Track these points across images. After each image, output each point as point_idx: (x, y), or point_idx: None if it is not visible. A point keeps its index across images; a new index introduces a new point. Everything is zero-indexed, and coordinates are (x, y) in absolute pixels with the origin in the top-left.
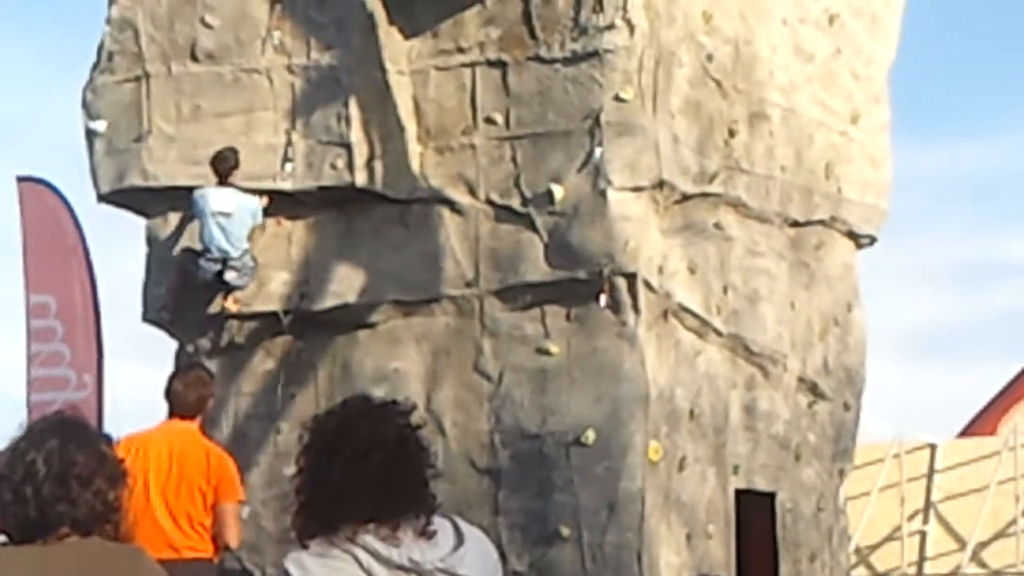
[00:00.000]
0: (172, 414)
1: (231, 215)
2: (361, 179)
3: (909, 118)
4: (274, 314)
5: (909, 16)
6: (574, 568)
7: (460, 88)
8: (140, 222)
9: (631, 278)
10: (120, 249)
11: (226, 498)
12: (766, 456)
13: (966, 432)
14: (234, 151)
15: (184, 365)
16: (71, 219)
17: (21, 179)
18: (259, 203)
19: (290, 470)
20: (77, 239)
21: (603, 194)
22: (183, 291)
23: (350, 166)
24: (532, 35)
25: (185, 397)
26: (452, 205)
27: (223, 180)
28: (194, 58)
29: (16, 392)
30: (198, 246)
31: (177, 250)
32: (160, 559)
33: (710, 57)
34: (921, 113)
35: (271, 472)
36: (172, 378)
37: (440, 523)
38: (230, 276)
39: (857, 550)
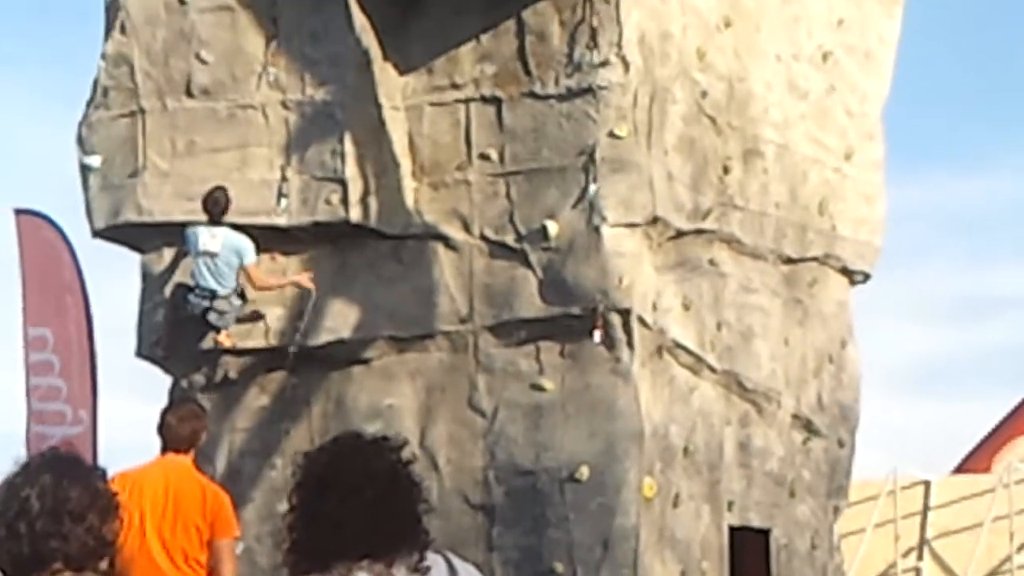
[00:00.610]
0: (166, 448)
1: (217, 255)
2: (356, 215)
3: (903, 152)
4: (268, 349)
5: (902, 51)
6: None
7: (455, 124)
8: (135, 257)
9: (625, 314)
10: (115, 283)
11: (222, 534)
12: (760, 493)
13: (961, 469)
14: (225, 192)
15: (177, 400)
16: (69, 253)
17: (19, 212)
18: (249, 242)
19: (284, 506)
20: (74, 273)
21: (597, 230)
22: (177, 326)
23: (345, 202)
24: (527, 71)
25: (179, 431)
26: (446, 241)
27: (214, 220)
28: (189, 94)
29: (16, 426)
30: (191, 281)
31: (171, 285)
32: None
33: (704, 94)
34: (915, 148)
35: (265, 508)
36: (165, 413)
37: (434, 559)
38: (211, 317)
39: None
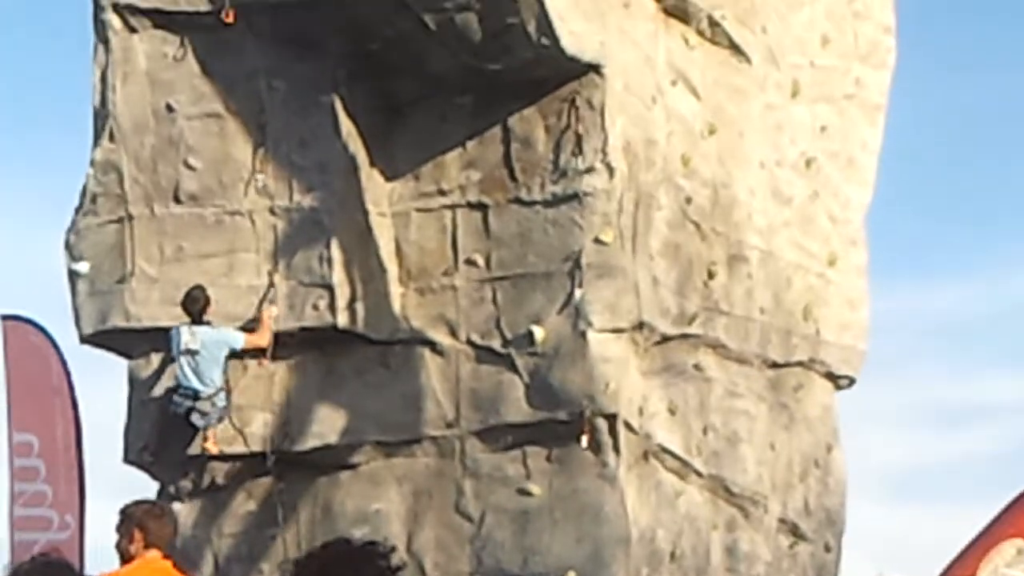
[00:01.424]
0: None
1: (198, 352)
2: (343, 320)
3: (886, 258)
4: (255, 455)
5: (885, 157)
6: None
7: (441, 230)
8: (123, 362)
9: (612, 419)
10: (103, 388)
11: None
12: None
13: (947, 574)
14: (202, 290)
15: (141, 501)
16: (57, 358)
17: (6, 317)
18: (232, 331)
19: None
20: (62, 378)
21: (583, 335)
22: (164, 431)
23: (332, 307)
24: (512, 177)
25: (160, 534)
26: (433, 346)
27: (195, 320)
28: (177, 200)
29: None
30: (175, 383)
31: (159, 389)
32: None
33: (689, 200)
34: (897, 253)
35: None
36: (142, 516)
37: None
38: (194, 418)
39: None
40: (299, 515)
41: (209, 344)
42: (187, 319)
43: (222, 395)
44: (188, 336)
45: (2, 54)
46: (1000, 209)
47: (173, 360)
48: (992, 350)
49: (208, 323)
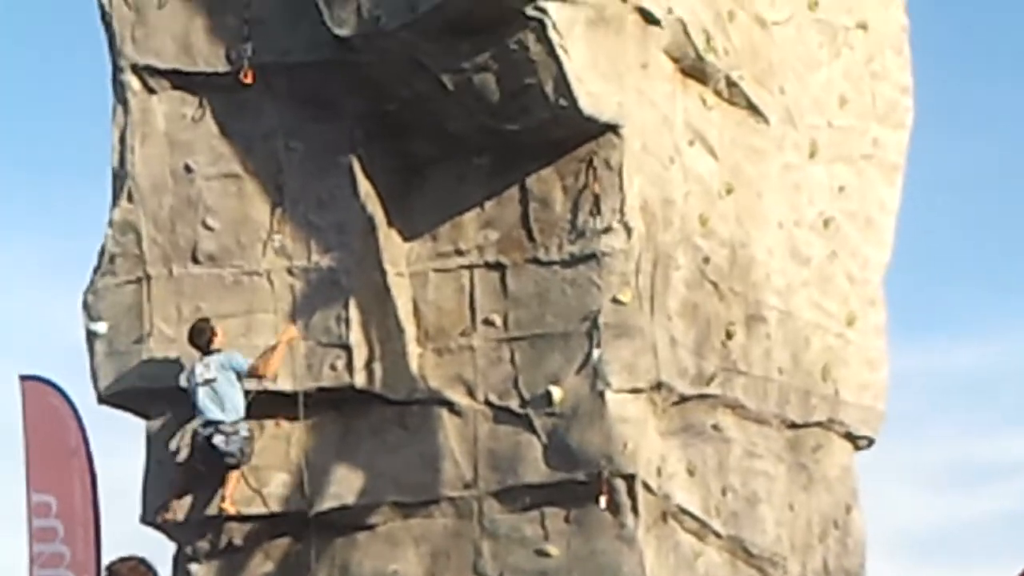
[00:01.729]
0: None
1: (215, 380)
2: (360, 380)
3: (905, 317)
4: (273, 516)
5: (902, 218)
6: None
7: (459, 290)
8: (140, 422)
9: (630, 480)
10: (121, 448)
11: None
12: None
13: None
14: (207, 321)
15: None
16: (74, 419)
17: (24, 378)
18: (234, 353)
19: None
20: (79, 439)
21: (601, 396)
22: (182, 491)
23: (350, 367)
24: (530, 238)
25: None
26: (451, 406)
27: (204, 351)
28: (195, 260)
29: None
30: (195, 423)
31: (178, 447)
32: None
33: (707, 260)
34: (916, 313)
35: None
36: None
37: None
38: (218, 440)
39: None
40: None
41: (223, 368)
42: (196, 353)
43: (244, 425)
44: (202, 368)
45: (21, 113)
46: (1019, 268)
47: (189, 420)
48: (1012, 409)
49: (218, 350)
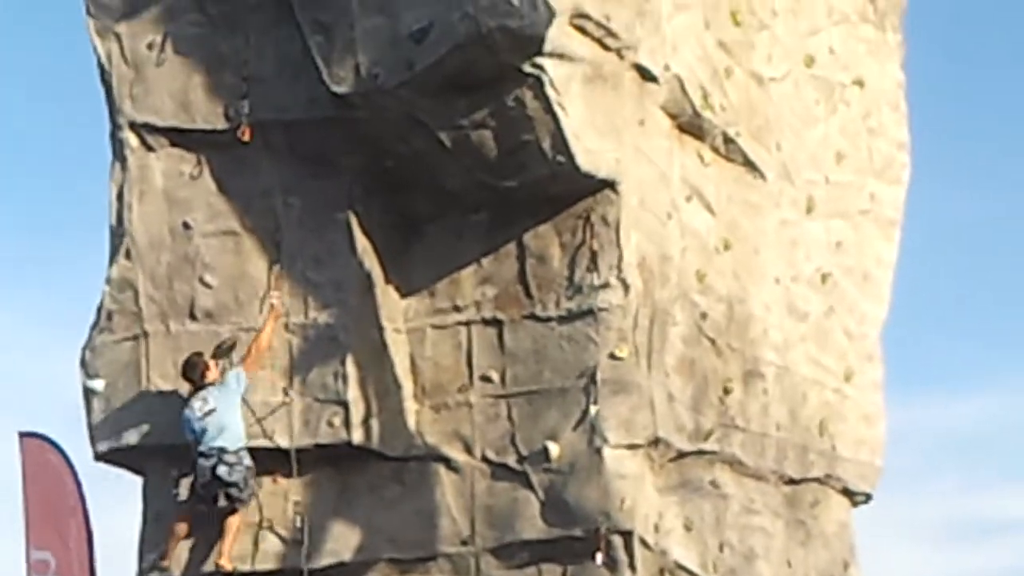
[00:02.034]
0: None
1: (216, 409)
2: (358, 437)
3: (902, 372)
4: (270, 573)
5: (900, 272)
6: None
7: (456, 346)
8: (137, 480)
9: (627, 536)
10: (118, 505)
11: None
12: None
13: None
14: (200, 355)
15: None
16: (72, 477)
17: (24, 435)
18: (233, 373)
19: None
20: (77, 497)
21: (599, 452)
22: (178, 542)
23: (347, 423)
24: (527, 294)
25: None
26: (448, 463)
27: (198, 386)
28: (193, 317)
29: None
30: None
31: (173, 504)
32: None
33: (704, 316)
34: (914, 367)
35: None
36: None
37: None
38: (222, 470)
39: None
40: None
41: (223, 396)
42: (190, 388)
43: (247, 455)
44: (200, 401)
45: (19, 169)
46: (1016, 324)
47: (186, 476)
48: (1010, 464)
49: (211, 384)
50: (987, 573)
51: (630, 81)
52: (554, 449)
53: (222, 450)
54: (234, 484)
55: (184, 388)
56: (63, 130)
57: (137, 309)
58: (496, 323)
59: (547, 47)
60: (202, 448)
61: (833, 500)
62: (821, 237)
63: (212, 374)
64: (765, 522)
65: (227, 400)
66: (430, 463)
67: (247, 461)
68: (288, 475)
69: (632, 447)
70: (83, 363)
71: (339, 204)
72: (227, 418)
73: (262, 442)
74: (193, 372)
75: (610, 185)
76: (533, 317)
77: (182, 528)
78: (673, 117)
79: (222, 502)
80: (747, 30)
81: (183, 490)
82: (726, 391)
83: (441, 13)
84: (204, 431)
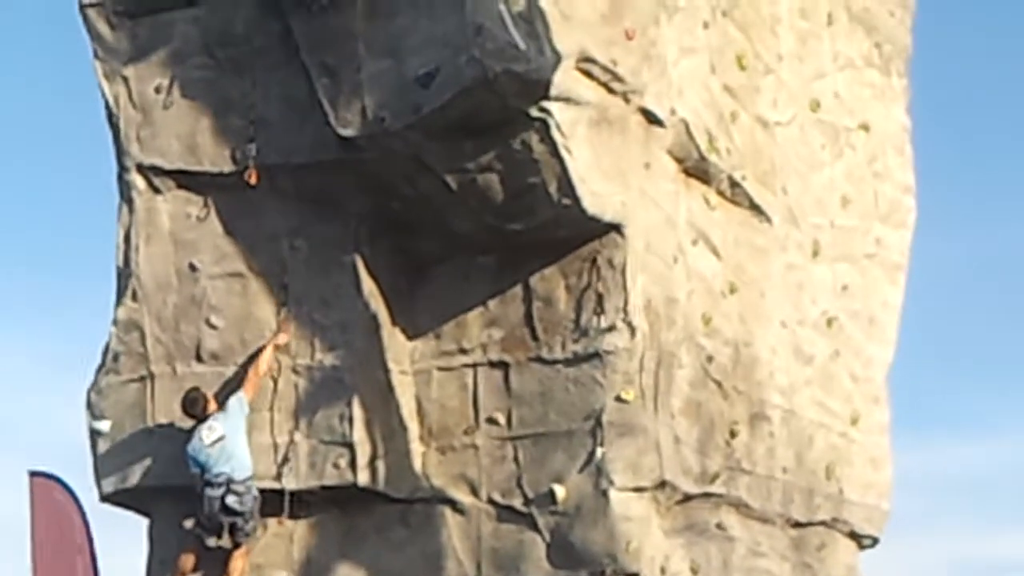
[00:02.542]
0: None
1: (224, 437)
2: (363, 479)
3: (909, 415)
4: None
5: (906, 315)
6: None
7: (462, 388)
8: (143, 520)
9: None
10: (126, 545)
11: None
12: None
13: None
14: (198, 389)
15: None
16: (80, 516)
17: (33, 474)
18: (235, 400)
19: None
20: (84, 536)
21: (605, 494)
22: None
23: (352, 465)
24: (534, 336)
25: None
26: (454, 505)
27: (201, 418)
28: (199, 359)
29: None
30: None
31: (178, 544)
32: None
33: (710, 359)
34: (921, 410)
35: None
36: None
37: None
38: (231, 500)
39: None
40: None
41: (229, 423)
42: (193, 422)
43: (254, 485)
44: (207, 431)
45: (27, 212)
46: (1022, 366)
47: (189, 517)
48: (1016, 507)
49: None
50: None
51: (636, 125)
52: (560, 491)
53: (230, 480)
54: (241, 514)
55: (187, 425)
56: (70, 172)
57: (143, 350)
58: (502, 365)
59: (553, 91)
60: (208, 477)
61: (840, 543)
62: (827, 281)
63: (212, 406)
64: (772, 565)
65: (233, 426)
66: (436, 505)
67: (255, 491)
68: (293, 517)
69: (638, 490)
70: (89, 404)
71: (345, 246)
72: (234, 444)
73: (267, 483)
74: (195, 407)
75: (616, 228)
76: (539, 360)
77: (188, 561)
78: (679, 161)
79: (224, 538)
80: (753, 75)
81: (189, 523)
82: (732, 434)
83: (448, 57)
84: (210, 460)
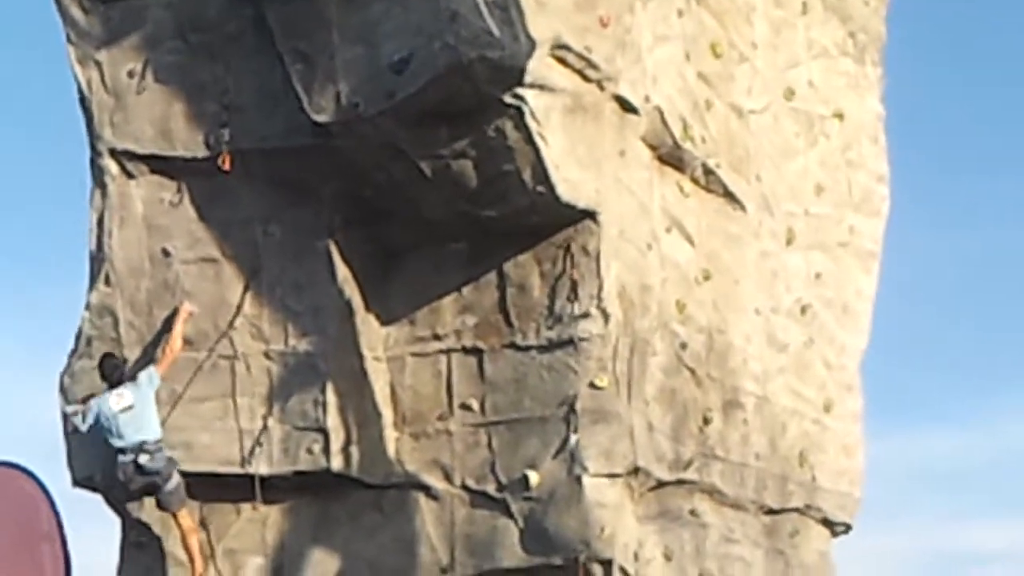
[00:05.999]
0: None
1: (133, 406)
2: (337, 464)
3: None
4: None
5: (880, 304)
6: None
7: (436, 375)
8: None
9: (607, 565)
10: (97, 532)
11: None
12: None
13: None
14: (114, 355)
15: None
16: (48, 503)
17: None
18: (146, 373)
19: None
20: (53, 524)
21: (579, 480)
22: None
23: (326, 451)
24: (508, 323)
25: None
26: (428, 490)
27: (114, 384)
28: None
29: None
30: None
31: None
32: None
33: (684, 346)
34: (893, 400)
35: None
36: None
37: None
38: (144, 459)
39: None
40: None
41: (138, 392)
42: (106, 386)
43: (164, 448)
44: (115, 398)
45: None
46: (996, 358)
47: (105, 430)
48: (987, 498)
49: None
50: None
51: (610, 112)
52: (534, 478)
53: (143, 442)
54: (158, 473)
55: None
56: (42, 156)
57: (116, 335)
58: (476, 352)
59: (528, 78)
60: (121, 444)
61: (813, 530)
62: (801, 269)
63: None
64: (744, 552)
65: (143, 396)
66: (410, 491)
67: (167, 452)
68: (267, 502)
69: (612, 476)
70: (62, 389)
71: (319, 232)
72: (143, 415)
73: (237, 468)
74: (114, 373)
75: (590, 215)
76: (513, 346)
77: (187, 519)
78: (653, 148)
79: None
80: (727, 63)
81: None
82: (706, 421)
83: (422, 43)
84: (119, 427)
